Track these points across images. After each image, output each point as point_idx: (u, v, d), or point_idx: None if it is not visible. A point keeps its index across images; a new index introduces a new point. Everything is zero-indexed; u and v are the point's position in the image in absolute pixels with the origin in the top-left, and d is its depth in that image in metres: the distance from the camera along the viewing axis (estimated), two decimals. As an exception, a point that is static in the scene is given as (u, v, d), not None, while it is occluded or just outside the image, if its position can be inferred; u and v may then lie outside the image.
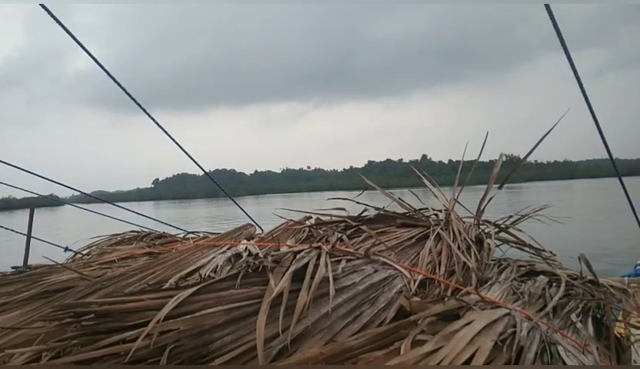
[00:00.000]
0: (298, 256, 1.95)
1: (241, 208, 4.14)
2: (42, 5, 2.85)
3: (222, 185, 5.65)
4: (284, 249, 2.25)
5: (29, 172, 5.21)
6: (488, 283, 2.18)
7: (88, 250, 3.40)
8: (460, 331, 1.39)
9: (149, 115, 3.62)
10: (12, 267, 5.67)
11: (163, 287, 1.61)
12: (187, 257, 2.48)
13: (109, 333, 1.23)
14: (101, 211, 6.07)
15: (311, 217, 3.32)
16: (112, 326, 1.25)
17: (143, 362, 1.21)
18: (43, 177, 5.33)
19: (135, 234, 3.60)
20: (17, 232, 6.02)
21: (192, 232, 3.56)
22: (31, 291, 2.46)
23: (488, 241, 2.74)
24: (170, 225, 3.91)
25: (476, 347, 1.32)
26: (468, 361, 1.28)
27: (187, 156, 3.99)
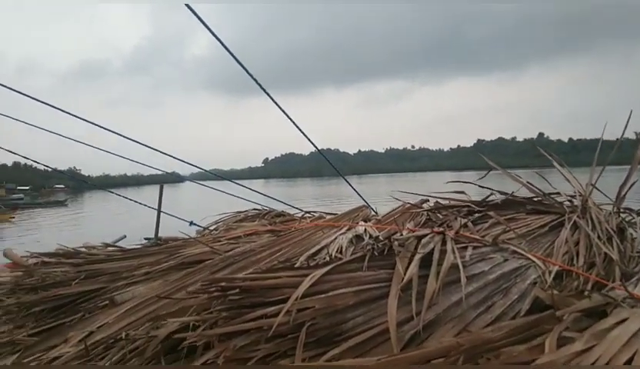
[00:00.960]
0: (422, 241, 1.91)
1: (355, 189, 4.16)
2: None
3: (328, 165, 5.72)
4: (405, 233, 2.22)
5: (157, 150, 5.66)
6: (635, 278, 1.97)
7: (215, 226, 3.64)
8: (613, 331, 1.27)
9: (268, 95, 3.75)
10: (145, 238, 6.27)
11: (295, 266, 1.67)
12: (309, 237, 2.55)
13: (253, 307, 1.30)
14: (218, 188, 6.45)
15: (428, 200, 3.25)
16: (255, 301, 1.32)
17: (284, 337, 1.27)
18: (168, 155, 5.77)
19: (257, 211, 3.79)
20: (148, 207, 6.64)
21: (309, 212, 3.66)
22: (170, 262, 2.70)
23: (632, 230, 2.48)
24: (287, 204, 4.06)
25: (634, 349, 1.19)
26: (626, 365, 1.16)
27: (301, 134, 4.09)
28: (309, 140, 4.14)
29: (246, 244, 2.90)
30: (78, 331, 1.72)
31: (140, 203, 6.67)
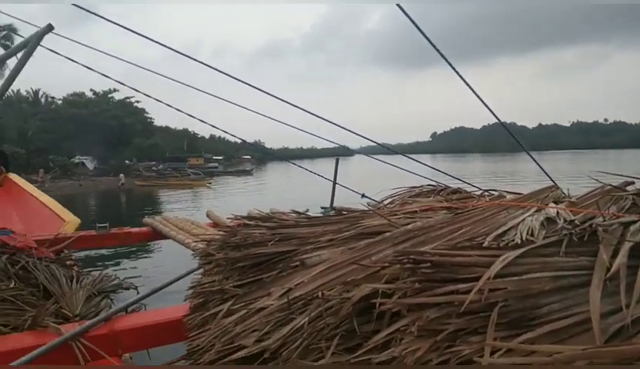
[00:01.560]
0: (631, 228, 1.71)
1: (542, 168, 3.85)
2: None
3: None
4: (607, 218, 2.01)
5: (333, 123, 5.93)
6: None
7: (390, 200, 3.72)
8: None
9: (449, 63, 3.65)
10: (321, 207, 6.67)
11: (484, 245, 1.64)
12: (492, 216, 2.46)
13: (443, 282, 1.33)
14: (388, 161, 6.53)
15: (634, 183, 2.86)
16: (446, 276, 1.34)
17: (475, 314, 1.27)
18: (342, 127, 5.99)
19: (432, 187, 3.77)
20: (325, 178, 7.07)
21: (488, 190, 3.51)
22: (350, 232, 2.85)
23: None
24: (463, 181, 3.94)
25: None
26: None
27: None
28: (490, 110, 3.92)
29: (422, 219, 2.91)
30: (279, 287, 1.94)
31: (318, 174, 7.12)
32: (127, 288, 4.85)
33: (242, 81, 5.39)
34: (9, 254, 4.37)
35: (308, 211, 5.61)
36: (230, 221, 6.50)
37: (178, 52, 5.10)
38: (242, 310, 1.90)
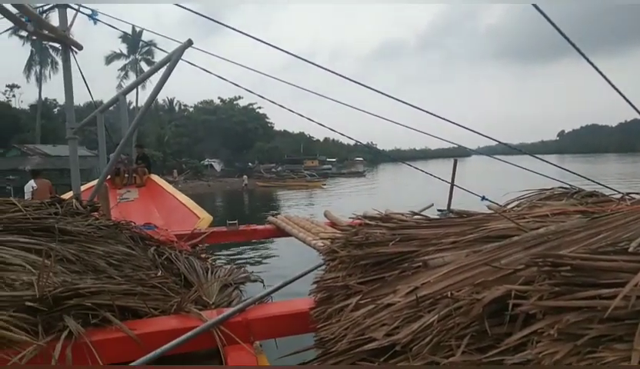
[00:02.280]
0: None
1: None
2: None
3: None
4: None
5: (448, 120, 5.78)
6: None
7: (516, 203, 3.57)
8: None
9: (583, 55, 3.40)
10: (438, 210, 6.53)
11: (629, 250, 1.53)
12: (635, 221, 2.27)
13: (584, 287, 1.28)
14: (510, 162, 6.20)
15: None
16: (586, 281, 1.29)
17: (619, 321, 1.21)
18: (458, 125, 5.82)
19: (564, 190, 3.54)
20: (442, 179, 6.91)
21: (629, 193, 3.21)
22: (474, 235, 2.79)
23: None
24: (599, 183, 3.63)
25: None
26: None
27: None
28: (630, 103, 3.57)
29: (554, 223, 2.77)
30: (405, 285, 1.99)
31: (434, 176, 7.00)
32: (254, 281, 5.22)
33: (358, 83, 5.51)
34: (155, 246, 4.94)
35: (431, 206, 5.54)
36: (348, 220, 6.68)
37: (300, 58, 5.37)
38: (370, 305, 1.97)
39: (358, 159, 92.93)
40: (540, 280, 1.39)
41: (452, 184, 7.10)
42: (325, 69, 5.29)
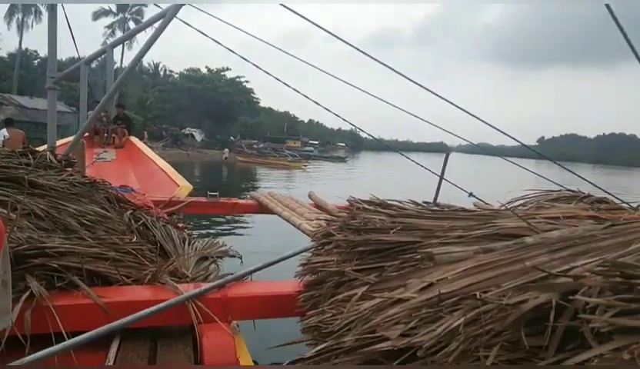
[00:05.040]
0: None
1: None
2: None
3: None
4: None
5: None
6: None
7: (522, 202, 3.41)
8: None
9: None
10: (424, 202, 6.36)
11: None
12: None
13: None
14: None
15: None
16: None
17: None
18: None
19: (573, 193, 3.39)
20: (432, 172, 6.76)
21: (641, 203, 3.07)
22: (483, 230, 2.61)
23: None
24: (607, 192, 3.48)
25: None
26: None
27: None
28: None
29: (565, 227, 2.61)
30: (417, 280, 1.79)
31: (425, 167, 6.81)
32: (233, 256, 4.98)
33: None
34: (132, 210, 4.65)
35: (431, 204, 5.35)
36: (334, 204, 6.47)
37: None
38: (376, 299, 1.77)
39: (340, 144, 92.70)
40: (607, 291, 1.19)
41: (441, 178, 6.96)
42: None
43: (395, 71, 4.22)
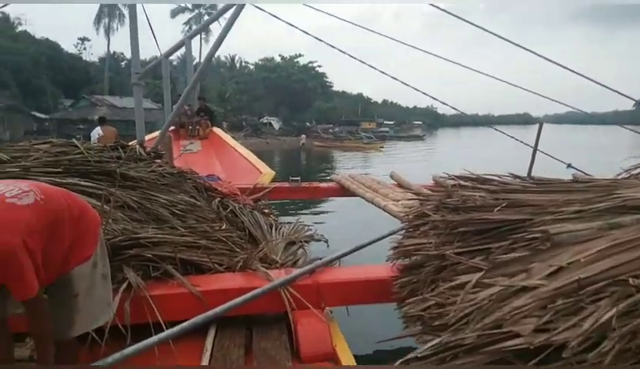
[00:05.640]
0: None
1: None
2: None
3: None
4: None
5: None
6: None
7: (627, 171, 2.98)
8: None
9: None
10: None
11: None
12: None
13: None
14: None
15: None
16: None
17: None
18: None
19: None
20: (525, 144, 6.27)
21: None
22: (606, 203, 2.28)
23: None
24: None
25: None
26: None
27: None
28: None
29: None
30: (542, 263, 1.55)
31: (518, 140, 6.35)
32: (318, 240, 4.90)
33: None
34: (220, 197, 4.70)
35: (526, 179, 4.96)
36: (418, 184, 6.19)
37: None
38: (495, 287, 1.55)
39: (416, 123, 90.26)
40: None
41: (535, 149, 6.45)
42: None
43: (488, 30, 3.88)
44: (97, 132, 9.89)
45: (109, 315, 2.07)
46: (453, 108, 6.59)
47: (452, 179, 2.89)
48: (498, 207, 2.42)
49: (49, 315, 1.80)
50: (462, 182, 2.84)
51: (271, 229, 4.40)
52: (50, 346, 1.82)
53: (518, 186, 2.73)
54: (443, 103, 6.47)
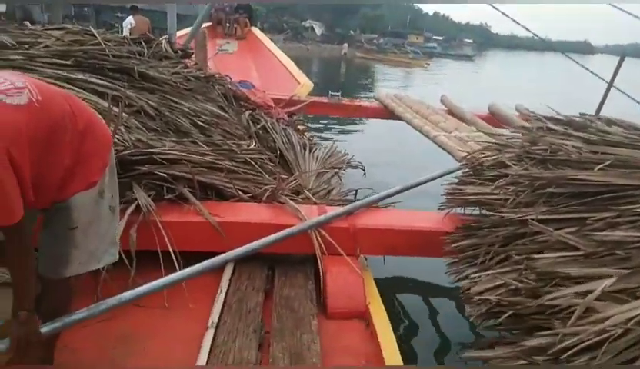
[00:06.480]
0: None
1: None
2: None
3: None
4: None
5: None
6: None
7: None
8: None
9: None
10: (581, 114, 5.17)
11: None
12: None
13: None
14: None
15: None
16: None
17: None
18: None
19: None
20: (600, 78, 5.49)
21: None
22: None
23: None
24: None
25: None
26: None
27: None
28: None
29: None
30: None
31: (593, 73, 5.55)
32: (355, 167, 4.44)
33: None
34: (251, 110, 4.21)
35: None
36: (472, 112, 5.53)
37: None
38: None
39: (466, 40, 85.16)
40: None
41: (610, 85, 5.67)
42: None
43: None
44: (129, 22, 9.29)
45: (114, 256, 1.68)
46: (525, 28, 5.72)
47: (538, 120, 2.31)
48: (600, 166, 1.87)
49: (31, 250, 1.42)
50: (550, 125, 2.26)
51: (305, 151, 3.94)
52: (31, 288, 1.44)
53: (621, 137, 2.13)
54: (503, 14, 5.54)
